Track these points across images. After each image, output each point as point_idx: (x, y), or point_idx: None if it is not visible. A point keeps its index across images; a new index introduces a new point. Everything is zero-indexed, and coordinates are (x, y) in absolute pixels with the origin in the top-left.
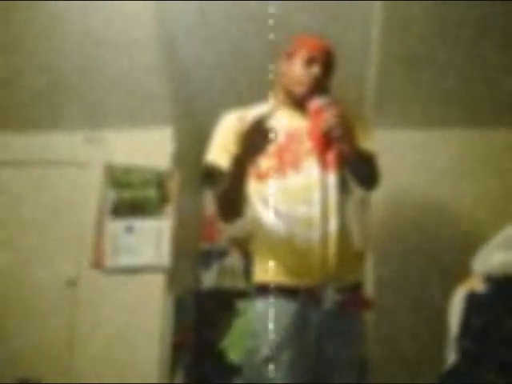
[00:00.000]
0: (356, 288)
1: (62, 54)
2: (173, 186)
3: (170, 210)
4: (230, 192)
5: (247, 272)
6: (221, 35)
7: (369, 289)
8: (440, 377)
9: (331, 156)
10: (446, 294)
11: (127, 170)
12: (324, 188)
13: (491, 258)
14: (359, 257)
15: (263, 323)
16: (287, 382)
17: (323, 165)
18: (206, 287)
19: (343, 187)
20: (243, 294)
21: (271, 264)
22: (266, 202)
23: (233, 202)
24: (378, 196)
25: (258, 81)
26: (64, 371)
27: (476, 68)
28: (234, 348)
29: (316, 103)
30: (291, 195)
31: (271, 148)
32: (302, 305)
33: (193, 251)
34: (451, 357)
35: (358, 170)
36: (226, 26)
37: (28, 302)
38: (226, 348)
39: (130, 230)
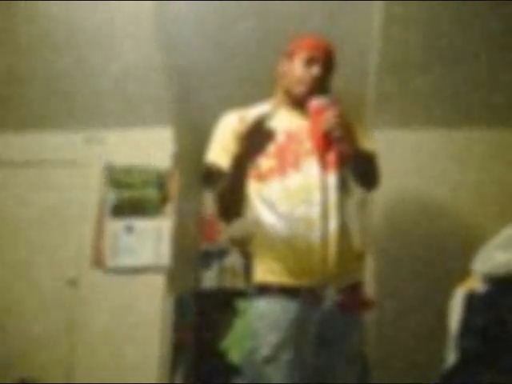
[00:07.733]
0: (356, 288)
1: (62, 53)
2: (173, 186)
3: (169, 209)
4: (230, 192)
5: (247, 272)
6: (221, 35)
7: (369, 289)
8: (440, 377)
9: (331, 156)
10: (446, 294)
11: (127, 170)
12: (324, 188)
13: (492, 258)
14: (359, 257)
15: (263, 323)
16: (287, 382)
17: (323, 165)
18: (206, 287)
19: (343, 187)
20: (243, 294)
21: (271, 264)
22: (265, 201)
23: (233, 201)
24: (378, 196)
25: (258, 81)
26: (64, 371)
27: (475, 69)
28: (234, 348)
29: (316, 103)
30: (291, 195)
31: (271, 148)
32: (303, 305)
33: (193, 251)
34: (451, 357)
35: (359, 170)
36: (225, 26)
37: (28, 302)
38: (226, 348)
39: (130, 229)
